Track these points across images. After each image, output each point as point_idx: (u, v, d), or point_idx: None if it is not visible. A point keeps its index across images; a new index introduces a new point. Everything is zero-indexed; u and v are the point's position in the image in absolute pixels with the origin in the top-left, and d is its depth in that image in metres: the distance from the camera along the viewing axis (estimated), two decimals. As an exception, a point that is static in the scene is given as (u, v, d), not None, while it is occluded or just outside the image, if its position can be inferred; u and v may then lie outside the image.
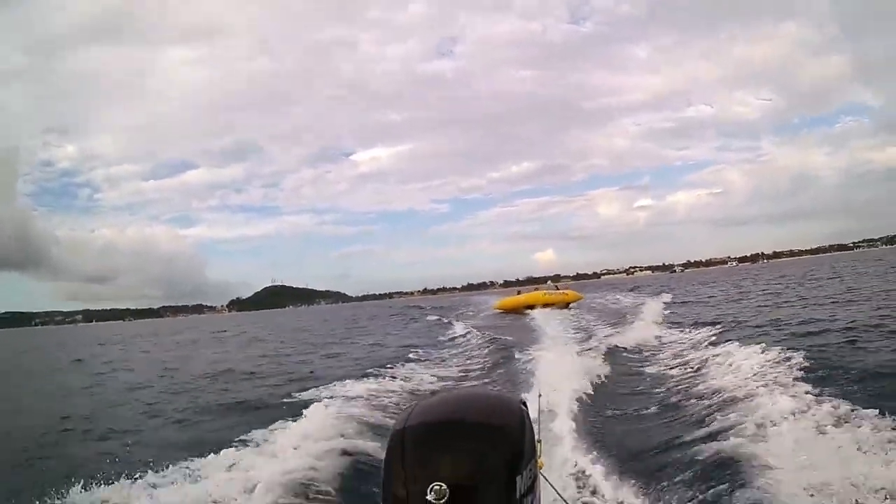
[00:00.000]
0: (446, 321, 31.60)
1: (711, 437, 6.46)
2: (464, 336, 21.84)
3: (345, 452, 6.81)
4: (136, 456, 7.50)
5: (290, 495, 5.71)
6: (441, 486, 1.22)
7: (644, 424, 7.89)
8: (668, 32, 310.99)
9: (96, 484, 5.98)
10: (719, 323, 17.02)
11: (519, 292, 39.81)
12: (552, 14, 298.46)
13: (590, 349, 14.07)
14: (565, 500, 2.22)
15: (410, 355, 16.35)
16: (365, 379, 12.02)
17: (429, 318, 36.63)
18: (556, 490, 2.07)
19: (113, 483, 6.02)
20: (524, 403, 1.49)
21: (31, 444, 9.23)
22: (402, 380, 12.30)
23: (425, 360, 15.73)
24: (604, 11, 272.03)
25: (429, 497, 1.22)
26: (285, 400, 10.59)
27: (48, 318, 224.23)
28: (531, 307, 32.29)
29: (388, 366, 14.11)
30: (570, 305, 33.65)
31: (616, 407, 8.88)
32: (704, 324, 17.30)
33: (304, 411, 8.37)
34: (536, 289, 39.67)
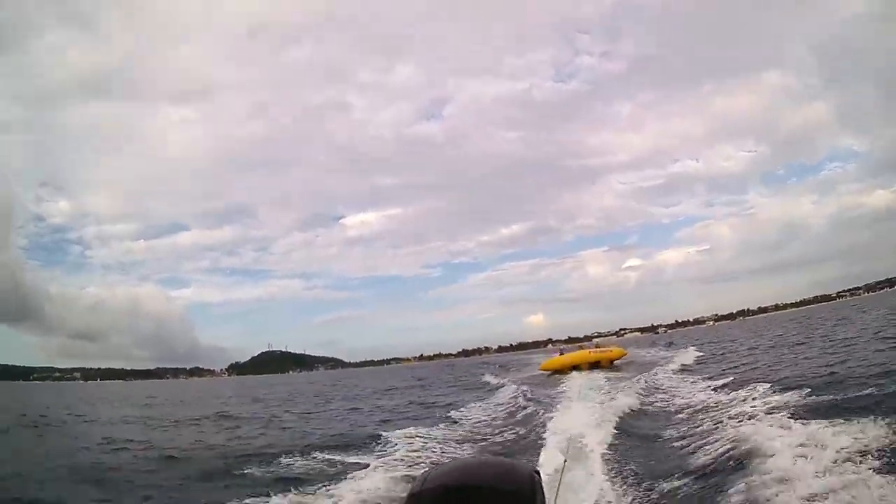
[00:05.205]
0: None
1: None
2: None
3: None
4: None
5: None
6: None
7: (669, 493, 7.64)
8: (651, 89, 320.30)
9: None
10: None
11: (562, 351, 39.41)
12: (538, 74, 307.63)
13: (611, 406, 14.48)
14: None
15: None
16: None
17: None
18: None
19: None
20: (537, 472, 1.63)
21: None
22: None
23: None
24: (589, 70, 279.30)
25: None
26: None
27: (46, 373, 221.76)
28: (577, 367, 32.10)
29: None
30: (615, 363, 33.30)
31: (639, 468, 8.74)
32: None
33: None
34: (581, 347, 39.23)
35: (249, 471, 10.69)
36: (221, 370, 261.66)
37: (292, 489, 8.71)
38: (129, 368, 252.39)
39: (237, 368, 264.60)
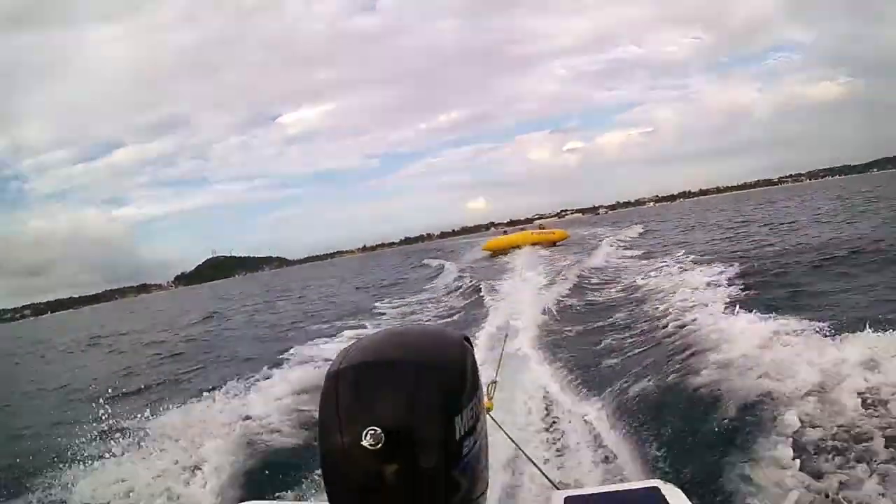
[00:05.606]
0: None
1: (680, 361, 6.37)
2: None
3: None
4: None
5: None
6: (376, 430, 1.19)
7: (607, 360, 7.75)
8: None
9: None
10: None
11: (505, 232, 41.30)
12: None
13: (555, 282, 15.49)
14: (515, 442, 2.27)
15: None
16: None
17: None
18: (504, 430, 2.08)
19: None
20: (467, 339, 1.46)
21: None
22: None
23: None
24: None
25: (364, 442, 1.19)
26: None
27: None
28: (519, 247, 33.35)
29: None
30: (557, 244, 34.43)
31: (580, 342, 9.05)
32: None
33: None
34: (523, 229, 40.83)
35: (293, 334, 14.66)
36: (168, 283, 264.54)
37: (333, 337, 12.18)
38: (76, 296, 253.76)
39: (183, 279, 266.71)
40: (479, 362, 1.42)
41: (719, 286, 10.06)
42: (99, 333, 30.57)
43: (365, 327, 13.36)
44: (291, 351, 10.83)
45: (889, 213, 21.27)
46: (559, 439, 5.38)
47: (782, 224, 24.93)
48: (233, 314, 26.43)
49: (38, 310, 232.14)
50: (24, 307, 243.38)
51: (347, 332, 12.19)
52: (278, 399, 7.35)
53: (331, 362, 1.34)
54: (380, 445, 1.17)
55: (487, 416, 1.51)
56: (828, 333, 5.51)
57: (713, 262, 12.98)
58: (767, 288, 9.68)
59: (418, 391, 1.25)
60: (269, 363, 9.82)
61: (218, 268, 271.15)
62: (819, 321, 5.97)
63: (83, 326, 45.82)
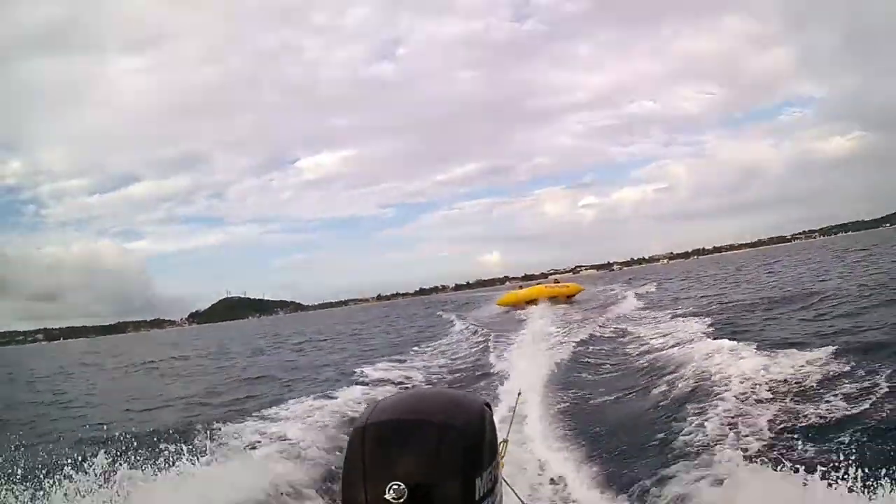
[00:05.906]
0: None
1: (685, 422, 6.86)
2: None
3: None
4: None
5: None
6: (399, 485, 1.28)
7: (617, 417, 8.11)
8: (610, 30, 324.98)
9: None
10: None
11: (521, 287, 42.66)
12: (495, 14, 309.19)
13: (566, 341, 15.73)
14: (524, 502, 2.33)
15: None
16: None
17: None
18: (514, 492, 2.15)
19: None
20: (488, 405, 1.60)
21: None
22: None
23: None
24: (547, 10, 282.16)
25: (387, 496, 1.28)
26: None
27: (8, 338, 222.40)
28: (534, 301, 33.39)
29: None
30: (571, 298, 34.43)
31: (590, 401, 9.21)
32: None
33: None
34: (539, 283, 42.22)
35: (345, 366, 16.26)
36: (182, 319, 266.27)
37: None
38: (90, 325, 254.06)
39: (197, 317, 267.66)
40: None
41: (701, 330, 13.27)
42: (147, 360, 31.23)
43: (404, 361, 15.98)
44: (359, 371, 13.75)
45: (858, 271, 23.86)
46: (567, 499, 5.61)
47: (767, 282, 28.10)
48: (281, 350, 28.45)
49: (50, 335, 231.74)
50: (36, 331, 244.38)
51: (381, 364, 14.93)
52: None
53: (357, 417, 1.50)
54: (402, 500, 1.28)
55: (501, 477, 1.59)
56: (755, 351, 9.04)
57: (700, 315, 16.06)
58: (726, 327, 13.22)
59: (441, 451, 1.37)
60: (352, 381, 12.55)
61: (232, 308, 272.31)
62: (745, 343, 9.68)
63: (115, 353, 46.20)
